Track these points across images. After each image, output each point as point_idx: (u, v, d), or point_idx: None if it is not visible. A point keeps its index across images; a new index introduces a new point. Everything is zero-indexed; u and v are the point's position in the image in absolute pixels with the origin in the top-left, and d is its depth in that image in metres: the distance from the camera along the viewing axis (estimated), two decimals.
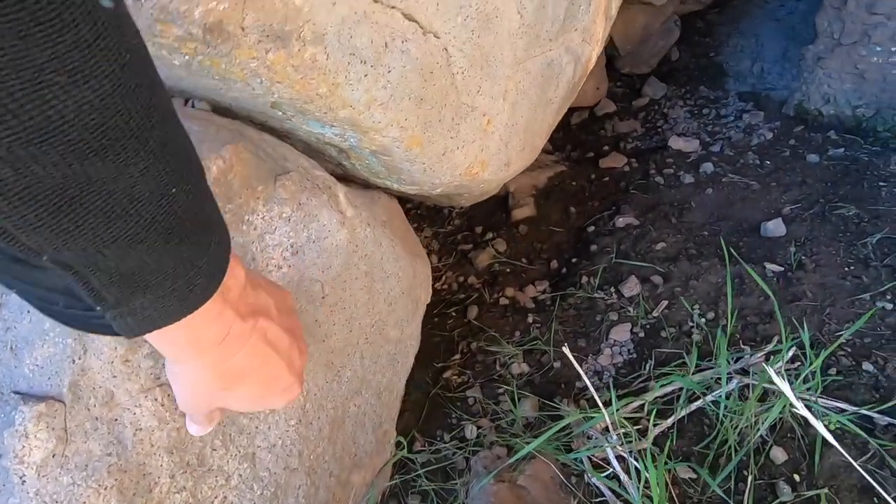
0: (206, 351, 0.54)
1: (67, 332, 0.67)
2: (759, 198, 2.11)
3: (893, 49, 2.26)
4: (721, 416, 1.12)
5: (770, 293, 1.32)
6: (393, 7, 0.79)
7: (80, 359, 0.68)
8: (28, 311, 0.67)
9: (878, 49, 2.31)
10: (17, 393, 0.68)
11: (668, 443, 1.11)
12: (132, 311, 0.44)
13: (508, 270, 1.98)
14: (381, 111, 0.84)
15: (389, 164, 1.01)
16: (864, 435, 1.04)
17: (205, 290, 0.49)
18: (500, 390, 1.40)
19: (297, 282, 0.89)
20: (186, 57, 0.66)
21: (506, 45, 1.04)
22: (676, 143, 2.69)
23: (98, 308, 0.43)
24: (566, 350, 0.93)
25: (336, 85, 0.76)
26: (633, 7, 3.08)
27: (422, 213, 2.46)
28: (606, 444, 1.07)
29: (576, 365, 0.92)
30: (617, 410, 1.10)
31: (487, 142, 1.11)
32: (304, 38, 0.69)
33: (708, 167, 2.43)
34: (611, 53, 3.40)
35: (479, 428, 1.28)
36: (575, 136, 3.18)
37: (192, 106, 0.89)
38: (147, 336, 0.51)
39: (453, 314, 1.76)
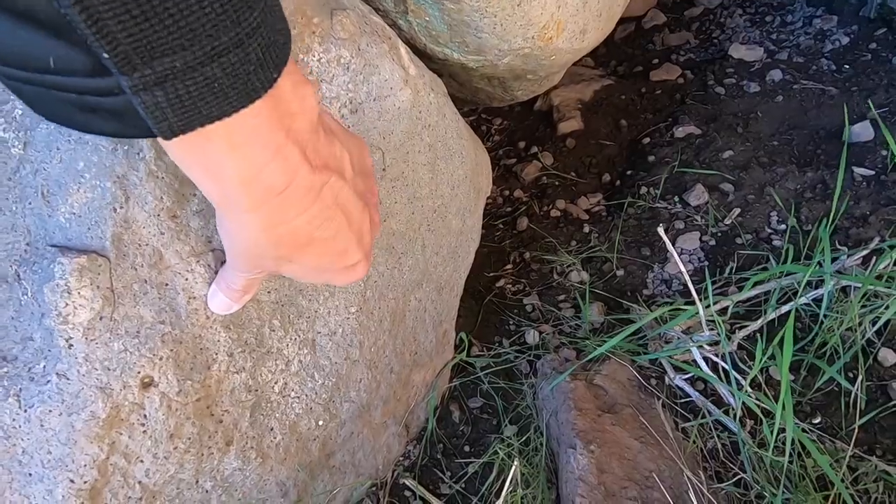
0: (262, 202, 0.42)
1: (106, 173, 0.57)
2: (837, 103, 1.89)
3: None
4: (822, 316, 1.00)
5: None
6: None
7: (121, 207, 0.58)
8: (58, 149, 0.57)
9: None
10: (53, 246, 0.58)
11: (758, 346, 1.00)
12: (160, 80, 0.32)
13: (557, 184, 1.84)
14: None
15: (456, 18, 0.86)
16: None
17: (258, 75, 0.36)
18: (561, 297, 1.29)
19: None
20: None
21: None
22: (738, 51, 2.44)
23: (114, 68, 0.31)
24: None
25: None
26: None
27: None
28: (692, 344, 0.97)
29: (670, 248, 0.80)
30: (705, 308, 0.98)
31: (565, 8, 0.94)
32: None
33: (776, 75, 2.19)
34: None
35: (541, 333, 1.19)
36: (620, 50, 2.92)
37: None
38: (187, 156, 0.39)
39: (501, 226, 1.65)
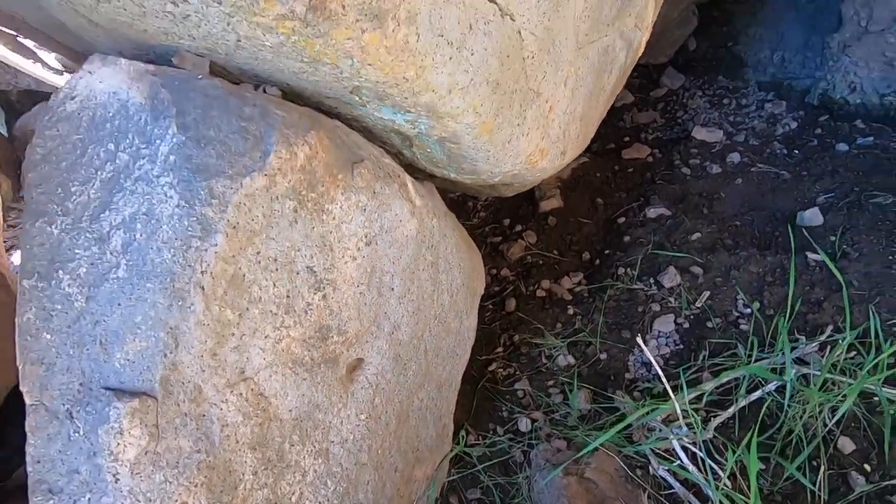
0: None
1: (161, 325, 0.65)
2: (790, 188, 2.09)
3: None
4: (786, 405, 1.11)
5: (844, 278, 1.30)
6: None
7: (171, 353, 0.66)
8: (119, 304, 0.65)
9: None
10: (107, 389, 0.65)
11: (733, 433, 1.10)
12: None
13: (541, 262, 1.96)
14: (460, 96, 0.81)
15: (455, 151, 0.99)
16: None
17: None
18: (550, 382, 1.38)
19: (370, 273, 0.87)
20: (281, 37, 0.63)
21: (570, 29, 1.02)
22: (700, 133, 2.67)
23: None
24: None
25: (423, 68, 0.73)
26: None
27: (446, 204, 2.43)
28: (672, 437, 1.06)
29: (646, 352, 0.90)
30: (682, 401, 1.08)
31: (549, 129, 1.08)
32: (400, 17, 0.66)
33: (735, 157, 2.41)
34: None
35: (533, 421, 1.27)
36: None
37: (264, 91, 0.86)
38: None
39: (491, 306, 1.74)
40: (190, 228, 0.64)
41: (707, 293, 1.61)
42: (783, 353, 1.26)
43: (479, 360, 1.51)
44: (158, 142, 0.66)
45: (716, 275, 1.68)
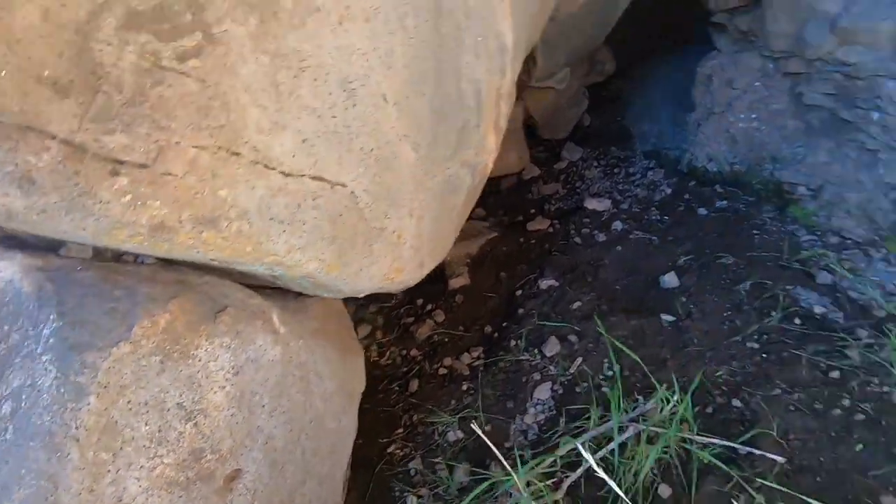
0: None
1: (41, 475, 0.81)
2: (659, 252, 2.42)
3: (753, 116, 2.70)
4: (616, 462, 1.33)
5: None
6: (302, 175, 1.02)
7: (51, 496, 0.82)
8: (6, 462, 0.81)
9: (742, 116, 2.74)
10: None
11: (580, 491, 1.30)
12: None
13: (447, 340, 2.18)
14: (299, 253, 1.04)
15: (316, 282, 1.21)
16: (724, 467, 1.27)
17: None
18: (438, 459, 1.56)
19: (240, 397, 1.06)
20: (135, 245, 0.85)
21: (406, 175, 1.29)
22: (591, 203, 3.02)
23: None
24: (475, 426, 1.12)
25: (259, 244, 0.96)
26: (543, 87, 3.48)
27: None
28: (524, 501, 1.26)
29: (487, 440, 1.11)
30: (530, 469, 1.28)
31: (400, 253, 1.33)
32: (230, 217, 0.89)
33: (618, 225, 2.74)
34: (531, 123, 3.79)
35: (419, 497, 1.44)
36: (505, 200, 3.49)
37: (142, 262, 1.07)
38: None
39: (396, 388, 1.93)
40: (66, 395, 0.82)
41: (580, 359, 1.86)
42: (626, 413, 1.50)
43: (379, 444, 1.68)
44: (42, 325, 0.86)
45: (589, 341, 1.94)
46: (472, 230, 3.01)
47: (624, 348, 1.69)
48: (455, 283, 2.52)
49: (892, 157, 2.09)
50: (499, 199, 3.48)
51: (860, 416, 1.38)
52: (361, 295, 1.36)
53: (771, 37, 2.45)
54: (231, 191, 0.89)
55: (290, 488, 1.17)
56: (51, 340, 0.84)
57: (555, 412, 1.68)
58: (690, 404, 1.46)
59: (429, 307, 2.37)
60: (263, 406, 1.11)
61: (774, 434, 1.37)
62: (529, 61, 2.76)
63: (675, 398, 1.51)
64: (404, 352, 2.13)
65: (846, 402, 1.43)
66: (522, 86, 3.11)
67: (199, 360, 0.99)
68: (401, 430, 1.73)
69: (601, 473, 1.08)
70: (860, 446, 1.30)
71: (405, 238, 1.34)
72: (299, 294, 1.38)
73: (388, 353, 2.13)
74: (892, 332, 1.60)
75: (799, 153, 2.49)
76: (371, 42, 1.08)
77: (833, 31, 2.16)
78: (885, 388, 1.45)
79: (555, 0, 2.07)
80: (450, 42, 1.34)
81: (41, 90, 0.65)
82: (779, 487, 1.22)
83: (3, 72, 0.60)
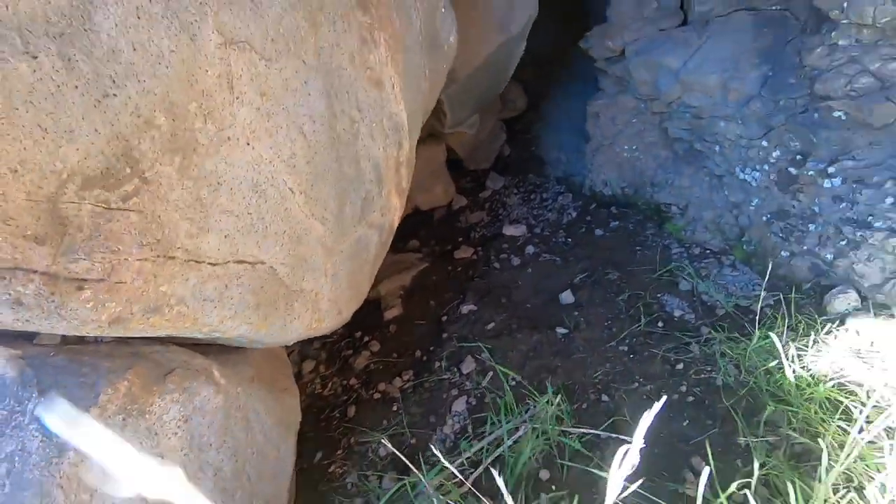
0: None
1: None
2: (561, 272, 2.82)
3: (633, 147, 3.17)
4: (507, 455, 1.67)
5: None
6: (227, 262, 1.32)
7: None
8: None
9: (626, 147, 3.21)
10: None
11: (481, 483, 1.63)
12: None
13: (381, 367, 2.48)
14: (230, 321, 1.34)
15: (248, 339, 1.50)
16: (587, 452, 1.64)
17: None
18: (370, 471, 1.86)
19: (190, 439, 1.34)
20: (97, 333, 1.13)
21: (318, 246, 1.60)
22: (509, 230, 3.41)
23: None
24: (385, 441, 1.43)
25: (196, 319, 1.25)
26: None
27: None
28: (435, 499, 1.58)
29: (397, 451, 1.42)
30: (439, 472, 1.61)
31: (319, 306, 1.64)
32: (171, 304, 1.18)
33: (530, 249, 3.14)
34: (456, 157, 4.18)
35: None
36: (437, 230, 3.84)
37: (101, 341, 1.33)
38: None
39: (337, 415, 2.22)
40: (50, 453, 1.08)
41: (491, 374, 2.20)
42: (520, 416, 1.85)
43: (322, 465, 1.97)
44: (27, 402, 1.12)
45: (498, 357, 2.29)
46: (405, 263, 3.35)
47: (508, 370, 2.05)
48: (389, 314, 2.83)
49: (733, 181, 2.57)
50: (431, 231, 3.83)
51: (691, 398, 1.79)
52: (290, 343, 1.66)
53: (637, 83, 2.93)
54: (170, 285, 1.18)
55: None
56: (35, 413, 1.10)
57: (468, 422, 2.01)
58: (568, 404, 1.82)
59: (366, 339, 2.67)
60: (211, 444, 1.38)
61: (628, 419, 1.75)
62: (440, 114, 3.13)
63: (558, 399, 1.88)
64: (344, 382, 2.42)
65: (683, 388, 1.84)
66: (439, 132, 3.49)
67: (154, 414, 1.27)
68: (340, 451, 2.02)
69: (491, 469, 1.41)
70: (686, 422, 1.70)
71: (322, 294, 1.65)
72: (238, 347, 1.67)
73: (329, 384, 2.41)
74: (723, 329, 2.03)
75: (670, 178, 2.97)
76: (275, 152, 1.40)
77: (678, 81, 2.64)
78: (713, 375, 1.87)
79: (447, 71, 2.45)
80: (346, 135, 1.67)
81: (26, 243, 0.93)
82: None
83: (1, 238, 0.88)
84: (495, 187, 4.11)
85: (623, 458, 0.94)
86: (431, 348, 2.54)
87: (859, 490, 1.29)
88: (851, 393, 1.59)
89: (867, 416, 1.34)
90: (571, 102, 4.11)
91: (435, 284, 3.10)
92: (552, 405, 1.83)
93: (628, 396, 1.87)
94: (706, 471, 1.01)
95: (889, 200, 1.89)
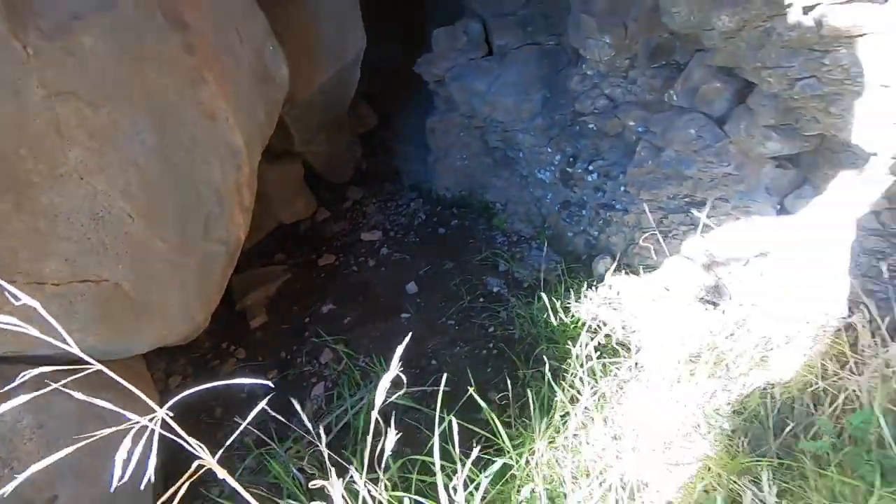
0: None
1: None
2: (409, 268, 3.25)
3: (464, 156, 3.72)
4: (354, 422, 2.03)
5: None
6: (70, 282, 1.50)
7: None
8: None
9: (458, 156, 3.75)
10: None
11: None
12: None
13: (248, 370, 2.70)
14: (78, 334, 1.52)
15: (100, 351, 1.68)
16: (418, 406, 2.06)
17: None
18: (235, 454, 2.10)
19: (48, 443, 1.51)
20: None
21: (162, 262, 1.82)
22: (366, 236, 3.78)
23: None
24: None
25: (48, 331, 1.43)
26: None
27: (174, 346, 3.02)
28: (290, 464, 1.88)
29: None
30: (293, 444, 1.91)
31: (168, 316, 1.86)
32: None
33: (385, 251, 3.54)
34: (319, 172, 4.45)
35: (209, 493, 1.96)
36: (303, 241, 4.08)
37: None
38: None
39: (205, 417, 2.40)
40: None
41: (344, 361, 2.55)
42: (365, 388, 2.22)
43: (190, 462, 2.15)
44: None
45: (352, 345, 2.64)
46: (270, 275, 3.55)
47: (355, 354, 2.42)
48: (255, 322, 3.05)
49: (534, 180, 3.21)
50: (297, 242, 4.05)
51: (495, 352, 2.30)
52: (144, 352, 1.85)
53: (458, 103, 3.48)
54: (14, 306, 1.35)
55: (103, 498, 1.62)
56: None
57: (324, 403, 2.33)
58: (403, 372, 2.23)
59: (232, 348, 2.86)
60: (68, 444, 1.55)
61: (448, 376, 2.20)
62: (289, 135, 3.41)
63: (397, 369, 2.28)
64: None
65: (491, 345, 2.35)
66: (293, 151, 3.76)
67: (5, 422, 1.42)
68: (209, 447, 2.21)
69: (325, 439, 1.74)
70: (489, 369, 2.21)
71: (171, 304, 1.87)
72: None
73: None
74: (524, 297, 2.60)
75: (492, 180, 3.56)
76: (109, 184, 1.61)
77: (486, 103, 3.22)
78: (513, 332, 2.40)
79: (282, 100, 2.74)
80: (183, 163, 1.91)
81: None
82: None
83: None
84: (355, 198, 4.45)
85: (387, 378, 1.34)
86: (294, 347, 2.81)
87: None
88: (597, 329, 2.20)
89: (599, 342, 1.92)
90: (419, 118, 4.61)
91: (299, 291, 3.36)
92: (386, 384, 2.22)
93: (451, 358, 2.33)
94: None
95: (621, 189, 2.60)
